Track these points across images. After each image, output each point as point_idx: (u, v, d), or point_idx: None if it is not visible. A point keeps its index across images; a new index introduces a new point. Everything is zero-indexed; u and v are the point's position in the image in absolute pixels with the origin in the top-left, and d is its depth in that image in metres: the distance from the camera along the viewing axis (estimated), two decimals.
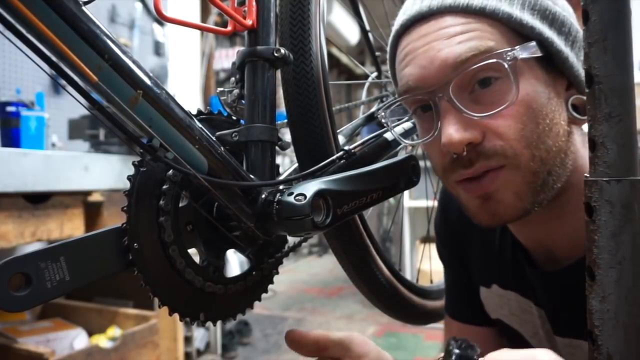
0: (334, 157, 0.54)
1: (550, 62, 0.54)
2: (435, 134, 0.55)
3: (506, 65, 0.51)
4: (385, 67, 0.90)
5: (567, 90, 0.57)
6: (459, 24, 0.53)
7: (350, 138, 0.69)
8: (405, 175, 0.56)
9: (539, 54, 0.53)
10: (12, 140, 1.52)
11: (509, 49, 0.51)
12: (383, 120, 0.64)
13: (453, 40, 0.52)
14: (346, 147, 0.56)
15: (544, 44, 0.53)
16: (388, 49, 0.63)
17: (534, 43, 0.53)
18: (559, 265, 0.63)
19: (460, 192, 0.58)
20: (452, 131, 0.52)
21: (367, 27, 0.85)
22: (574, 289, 0.50)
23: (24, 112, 1.56)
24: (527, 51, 0.52)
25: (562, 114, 0.55)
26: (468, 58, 0.51)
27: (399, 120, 0.70)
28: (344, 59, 6.59)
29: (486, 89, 0.53)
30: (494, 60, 0.51)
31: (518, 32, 0.53)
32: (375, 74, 0.89)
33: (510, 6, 0.53)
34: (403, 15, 0.58)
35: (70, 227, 1.47)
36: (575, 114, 0.56)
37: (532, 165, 0.53)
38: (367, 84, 0.86)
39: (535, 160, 0.53)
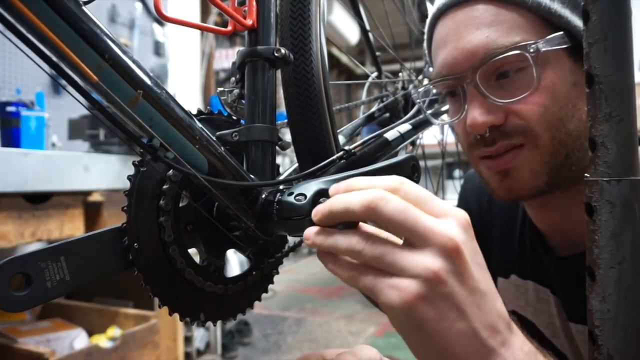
0: (334, 157, 0.54)
1: (579, 49, 0.56)
2: (462, 116, 0.60)
3: (529, 57, 0.54)
4: (385, 67, 0.91)
5: None
6: (490, 14, 0.57)
7: (350, 138, 0.69)
8: (405, 175, 0.56)
9: (564, 46, 0.55)
10: (12, 140, 1.52)
11: (532, 42, 0.54)
12: (417, 101, 0.69)
13: (482, 32, 0.56)
14: (346, 147, 0.55)
15: (571, 32, 0.55)
16: (426, 29, 0.68)
17: (560, 34, 0.55)
18: (575, 249, 0.65)
19: (482, 168, 0.63)
20: (476, 114, 0.57)
21: (367, 27, 0.85)
22: None
23: (24, 112, 1.56)
24: (550, 44, 0.55)
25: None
26: (495, 53, 0.55)
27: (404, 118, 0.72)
28: (344, 59, 6.58)
29: (511, 76, 0.57)
30: (518, 52, 0.54)
31: (547, 20, 0.56)
32: (375, 74, 0.89)
33: None
34: None
35: (70, 227, 1.47)
36: None
37: (550, 147, 0.57)
38: (367, 84, 0.86)
39: (555, 142, 0.57)
